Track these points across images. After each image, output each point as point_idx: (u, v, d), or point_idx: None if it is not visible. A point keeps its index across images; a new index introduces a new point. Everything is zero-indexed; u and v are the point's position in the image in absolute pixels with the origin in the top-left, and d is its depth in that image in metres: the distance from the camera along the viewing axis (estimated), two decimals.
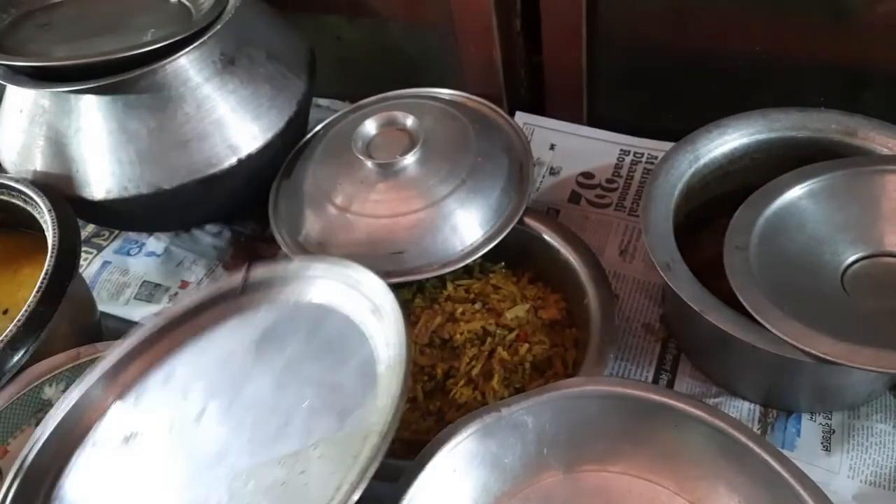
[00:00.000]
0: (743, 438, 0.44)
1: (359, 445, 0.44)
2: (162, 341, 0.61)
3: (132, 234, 0.84)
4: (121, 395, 0.58)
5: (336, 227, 0.68)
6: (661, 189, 0.63)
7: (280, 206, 0.74)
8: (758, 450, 0.44)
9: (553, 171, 0.83)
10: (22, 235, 0.73)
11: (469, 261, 0.65)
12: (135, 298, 0.78)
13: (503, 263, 0.71)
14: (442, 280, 0.69)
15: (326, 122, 0.80)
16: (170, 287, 0.79)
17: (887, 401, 0.60)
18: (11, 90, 0.74)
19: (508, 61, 0.84)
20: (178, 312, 0.61)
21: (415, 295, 0.70)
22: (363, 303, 0.55)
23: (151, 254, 0.82)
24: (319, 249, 0.69)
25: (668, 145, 0.79)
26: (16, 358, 0.58)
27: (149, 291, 0.78)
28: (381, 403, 0.46)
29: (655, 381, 0.64)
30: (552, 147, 0.85)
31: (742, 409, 0.61)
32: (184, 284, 0.79)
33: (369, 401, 0.48)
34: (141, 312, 0.76)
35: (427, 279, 0.68)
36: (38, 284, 0.60)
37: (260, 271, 0.62)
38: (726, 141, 0.66)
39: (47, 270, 0.61)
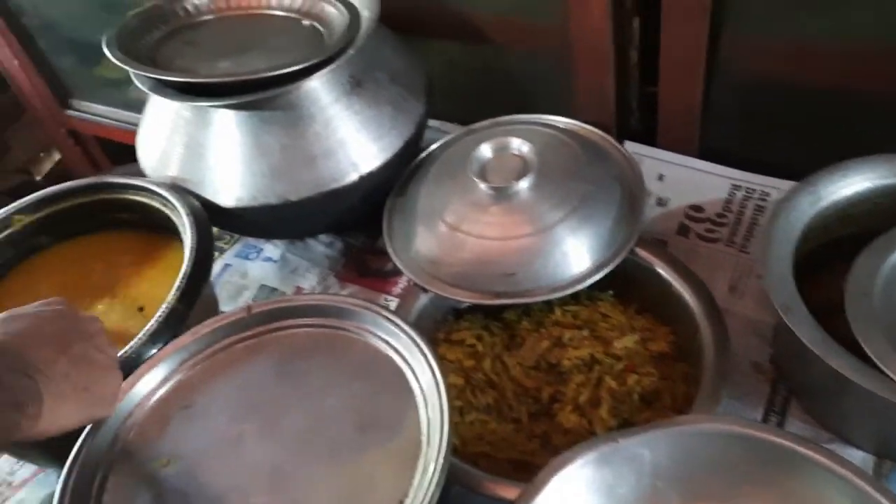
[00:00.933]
0: (868, 488, 0.44)
1: (415, 450, 0.50)
2: (174, 376, 0.62)
3: (251, 240, 0.89)
4: (144, 425, 0.59)
5: (447, 245, 0.71)
6: (781, 230, 0.62)
7: (393, 222, 0.77)
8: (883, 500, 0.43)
9: (661, 202, 0.83)
10: (151, 236, 0.79)
11: (578, 287, 0.66)
12: (252, 301, 0.82)
13: (611, 291, 0.72)
14: (549, 304, 0.71)
15: (440, 143, 0.82)
16: (285, 292, 0.83)
17: None
18: (155, 100, 0.80)
19: (621, 91, 0.85)
20: (184, 344, 0.62)
21: (520, 317, 0.72)
22: (378, 330, 0.60)
23: (268, 259, 0.86)
24: (430, 266, 0.71)
25: (781, 182, 0.79)
26: (153, 351, 0.62)
27: (265, 295, 0.83)
28: (428, 415, 0.53)
29: (764, 422, 0.64)
30: (660, 178, 0.86)
31: (854, 459, 0.60)
32: (298, 290, 0.83)
33: (412, 413, 0.54)
34: None
35: (535, 303, 0.70)
36: (178, 284, 0.64)
37: (263, 304, 0.64)
38: (849, 184, 0.65)
39: (186, 271, 0.65)
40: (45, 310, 0.53)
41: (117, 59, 0.71)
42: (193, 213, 0.70)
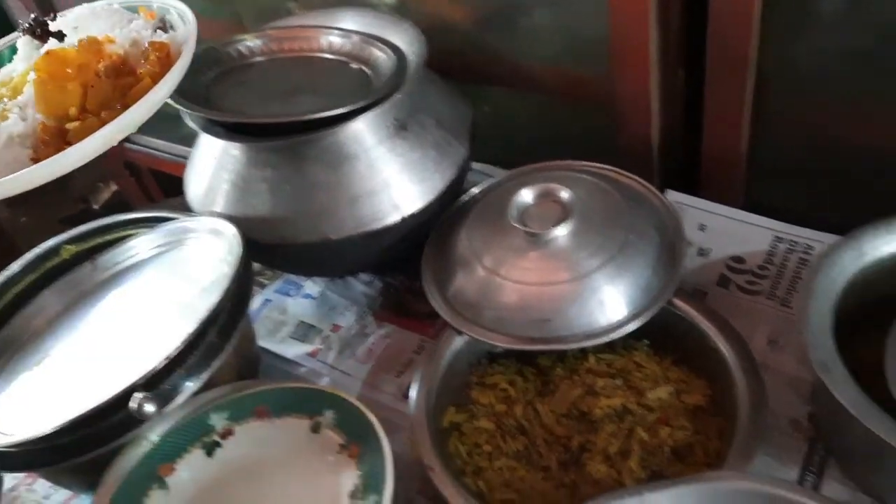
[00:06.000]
0: None
1: None
2: None
3: (292, 276, 0.91)
4: None
5: (484, 288, 0.71)
6: (822, 285, 0.61)
7: (431, 263, 0.78)
8: None
9: (702, 253, 0.83)
10: None
11: (614, 336, 0.65)
12: (290, 337, 0.84)
13: (647, 342, 0.71)
14: (584, 352, 0.70)
15: (482, 186, 0.83)
16: (322, 329, 0.84)
17: None
18: (204, 137, 0.83)
19: (665, 141, 0.85)
20: None
21: (555, 363, 0.71)
22: None
23: (308, 296, 0.88)
24: (467, 309, 0.71)
25: (826, 236, 0.78)
26: (190, 384, 0.64)
27: (303, 331, 0.84)
28: None
29: (800, 481, 0.62)
30: (702, 228, 0.85)
31: None
32: (335, 328, 0.84)
33: None
34: (294, 350, 0.82)
35: (570, 350, 0.70)
36: (216, 318, 0.66)
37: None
38: (894, 240, 0.64)
39: (225, 306, 0.67)
40: None
41: (171, 98, 0.74)
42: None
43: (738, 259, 0.81)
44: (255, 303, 0.88)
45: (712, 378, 0.66)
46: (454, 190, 0.82)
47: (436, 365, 0.70)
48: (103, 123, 0.52)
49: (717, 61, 0.74)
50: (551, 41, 0.85)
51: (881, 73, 0.69)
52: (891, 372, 0.55)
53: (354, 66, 0.84)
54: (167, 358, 0.59)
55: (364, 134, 0.75)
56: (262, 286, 0.90)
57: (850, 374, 0.56)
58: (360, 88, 0.79)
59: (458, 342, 0.72)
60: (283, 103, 0.78)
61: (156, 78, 0.56)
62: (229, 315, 0.67)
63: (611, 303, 0.67)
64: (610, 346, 0.70)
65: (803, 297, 0.61)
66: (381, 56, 0.82)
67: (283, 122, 0.72)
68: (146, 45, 0.57)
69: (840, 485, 0.61)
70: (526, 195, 0.73)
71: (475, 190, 0.83)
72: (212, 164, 0.81)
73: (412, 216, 0.77)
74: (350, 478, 0.56)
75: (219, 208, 0.80)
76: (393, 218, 0.76)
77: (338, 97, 0.76)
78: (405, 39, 0.82)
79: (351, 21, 0.86)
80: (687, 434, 0.63)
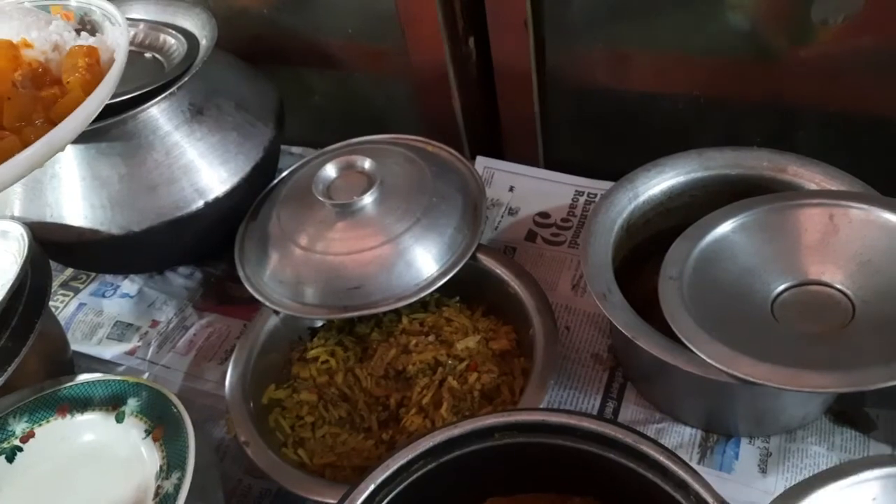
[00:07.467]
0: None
1: None
2: None
3: (108, 277, 0.88)
4: None
5: (298, 265, 0.71)
6: (601, 224, 0.66)
7: (246, 247, 0.77)
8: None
9: (511, 212, 0.87)
10: None
11: (423, 294, 0.68)
12: (107, 338, 0.81)
13: (458, 298, 0.74)
14: (399, 314, 0.72)
15: (293, 167, 0.83)
16: (140, 326, 0.82)
17: (822, 424, 0.63)
18: None
19: (467, 108, 0.89)
20: None
21: (373, 329, 0.73)
22: None
23: (125, 295, 0.85)
24: (282, 287, 0.71)
25: None
26: None
27: (120, 331, 0.81)
28: None
29: (602, 408, 0.67)
30: (511, 189, 0.89)
31: (684, 435, 0.64)
32: (154, 324, 0.82)
33: None
34: (112, 351, 0.79)
35: (384, 313, 0.71)
36: (8, 321, 0.63)
37: None
38: (664, 179, 0.70)
39: (17, 308, 0.64)
40: None
41: None
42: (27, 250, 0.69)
43: (544, 214, 0.85)
44: (69, 308, 0.85)
45: (516, 322, 0.70)
46: (263, 172, 0.81)
47: (250, 346, 0.70)
48: (26, 143, 0.43)
49: (498, 27, 0.78)
50: (346, 17, 0.86)
51: (636, 22, 0.75)
52: (662, 295, 0.60)
53: (148, 55, 0.82)
54: None
55: (158, 121, 0.74)
56: (77, 291, 0.86)
57: (639, 304, 0.60)
58: (153, 76, 0.77)
59: (273, 322, 0.73)
60: None
61: (87, 88, 0.47)
62: (22, 317, 0.64)
63: (419, 263, 0.69)
64: (423, 306, 0.73)
65: (585, 236, 0.65)
66: (173, 42, 0.80)
67: None
68: (68, 49, 0.49)
69: (636, 406, 0.67)
70: (330, 170, 0.74)
71: (286, 172, 0.83)
72: None
73: (217, 200, 0.76)
74: (157, 459, 0.55)
75: (15, 213, 0.76)
76: (197, 204, 0.75)
77: (129, 87, 0.74)
78: (197, 24, 0.81)
79: (140, 10, 0.84)
80: (493, 377, 0.66)
